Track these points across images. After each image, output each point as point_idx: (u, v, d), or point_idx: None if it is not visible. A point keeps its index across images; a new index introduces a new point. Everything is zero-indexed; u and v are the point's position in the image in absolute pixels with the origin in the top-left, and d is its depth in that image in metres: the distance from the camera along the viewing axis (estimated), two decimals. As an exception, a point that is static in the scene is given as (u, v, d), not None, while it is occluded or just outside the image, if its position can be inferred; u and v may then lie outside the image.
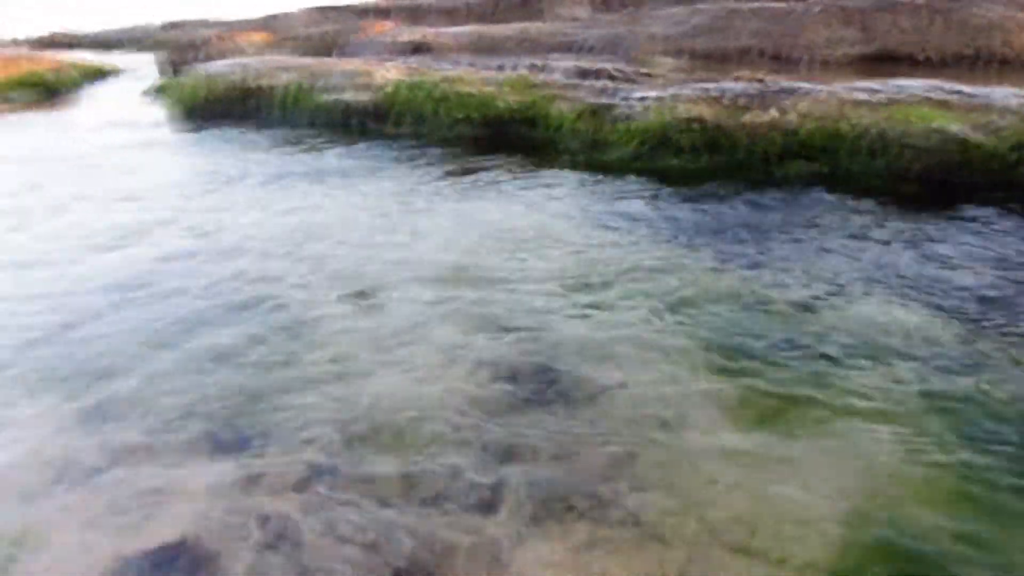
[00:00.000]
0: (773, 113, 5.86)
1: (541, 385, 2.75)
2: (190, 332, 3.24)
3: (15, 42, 23.22)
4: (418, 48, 10.64)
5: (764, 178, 5.46)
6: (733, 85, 6.50)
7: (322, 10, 18.89)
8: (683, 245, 4.16)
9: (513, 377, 2.80)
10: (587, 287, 3.61)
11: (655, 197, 5.12)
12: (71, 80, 12.99)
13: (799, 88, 6.17)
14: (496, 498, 2.18)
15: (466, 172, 5.96)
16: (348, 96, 8.03)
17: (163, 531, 2.10)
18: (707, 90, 6.34)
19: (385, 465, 2.34)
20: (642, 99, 6.56)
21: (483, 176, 5.79)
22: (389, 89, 7.73)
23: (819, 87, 6.14)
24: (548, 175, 5.79)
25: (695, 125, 6.04)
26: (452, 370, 2.87)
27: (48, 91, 12.11)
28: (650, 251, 4.06)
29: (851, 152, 5.46)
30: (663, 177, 5.60)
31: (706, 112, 6.07)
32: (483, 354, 2.98)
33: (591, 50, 10.36)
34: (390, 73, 8.34)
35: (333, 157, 6.65)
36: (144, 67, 15.04)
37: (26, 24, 23.65)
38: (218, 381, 2.83)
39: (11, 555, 2.00)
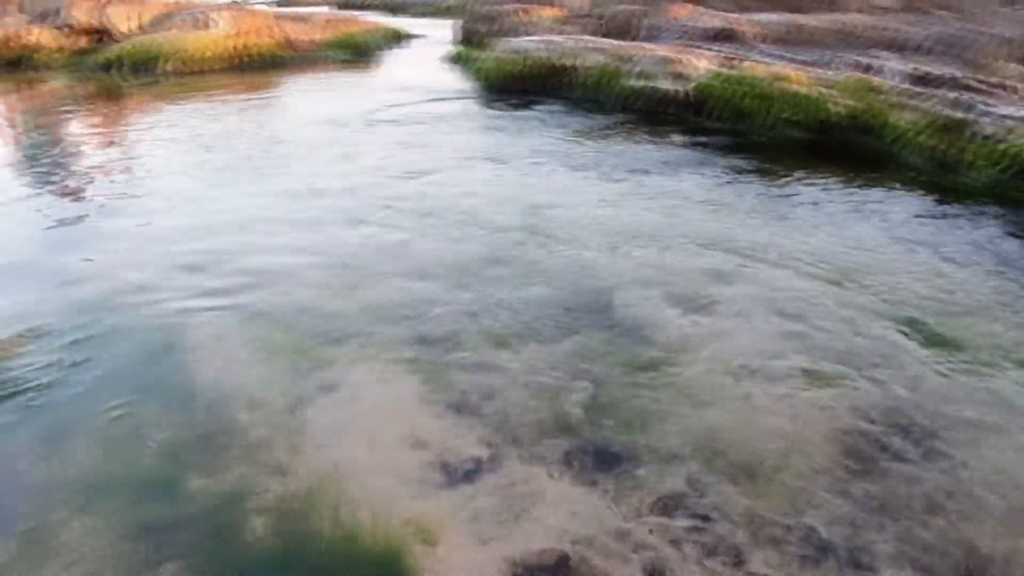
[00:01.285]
0: None
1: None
2: (536, 328, 3.30)
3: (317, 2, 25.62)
4: (723, 35, 10.27)
5: None
6: None
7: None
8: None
9: (866, 427, 2.55)
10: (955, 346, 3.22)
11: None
12: (376, 43, 14.04)
13: None
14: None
15: (786, 181, 5.62)
16: (662, 84, 7.91)
17: (543, 542, 2.09)
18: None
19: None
20: (1006, 117, 5.82)
21: (806, 190, 5.40)
22: (707, 81, 7.51)
23: None
24: (882, 194, 5.30)
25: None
26: (798, 404, 2.67)
27: (358, 51, 13.17)
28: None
29: None
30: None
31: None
32: (826, 399, 2.75)
33: (918, 49, 9.40)
34: (703, 63, 8.10)
35: (649, 146, 6.58)
36: (435, 33, 15.95)
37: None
38: (574, 385, 2.85)
39: (407, 546, 2.07)
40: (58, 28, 11.31)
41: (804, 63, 8.32)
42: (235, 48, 11.25)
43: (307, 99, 9.13)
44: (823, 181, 5.61)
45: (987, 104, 6.28)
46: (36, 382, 2.76)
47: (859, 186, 5.50)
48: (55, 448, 2.40)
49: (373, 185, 5.38)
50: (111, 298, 3.48)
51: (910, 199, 5.25)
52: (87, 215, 4.75)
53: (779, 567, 1.99)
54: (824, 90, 6.96)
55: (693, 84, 7.68)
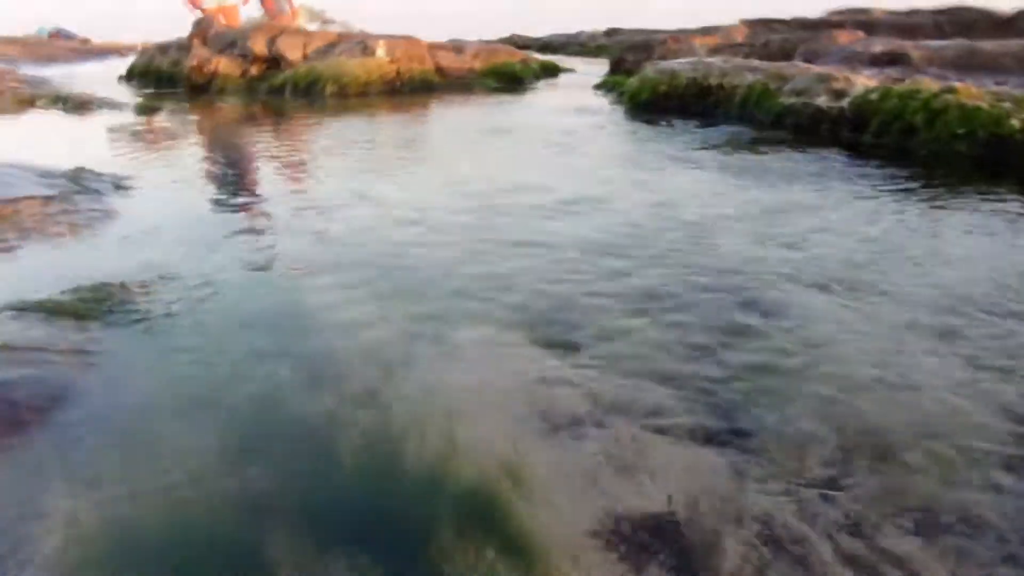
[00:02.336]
0: None
1: None
2: (661, 304, 3.04)
3: (480, 41, 26.66)
4: (888, 58, 9.60)
5: None
6: None
7: (766, 22, 18.36)
8: None
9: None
10: None
11: None
12: (527, 73, 14.28)
13: None
14: None
15: (951, 195, 5.04)
16: (820, 100, 7.45)
17: (651, 499, 1.85)
18: None
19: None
20: None
21: (981, 207, 4.80)
22: (873, 96, 6.98)
23: None
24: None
25: None
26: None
27: (509, 80, 13.44)
28: None
29: None
30: None
31: None
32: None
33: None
34: (862, 79, 7.57)
35: (801, 161, 6.17)
36: (587, 68, 16.07)
37: (485, 27, 26.83)
38: (699, 358, 2.57)
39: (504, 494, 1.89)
40: (237, 57, 12.32)
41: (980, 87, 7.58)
42: (392, 73, 11.80)
43: (455, 114, 9.38)
44: (999, 202, 4.99)
45: None
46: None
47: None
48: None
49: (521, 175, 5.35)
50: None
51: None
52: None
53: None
54: (1007, 104, 6.27)
55: (857, 99, 7.18)
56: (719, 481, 1.94)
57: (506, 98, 11.40)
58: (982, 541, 1.73)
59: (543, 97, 11.56)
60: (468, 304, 3.05)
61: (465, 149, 6.98)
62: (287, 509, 1.80)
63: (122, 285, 3.20)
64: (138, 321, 2.87)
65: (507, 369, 2.52)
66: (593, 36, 24.88)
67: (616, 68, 13.09)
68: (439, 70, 12.65)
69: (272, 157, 6.74)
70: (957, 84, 6.64)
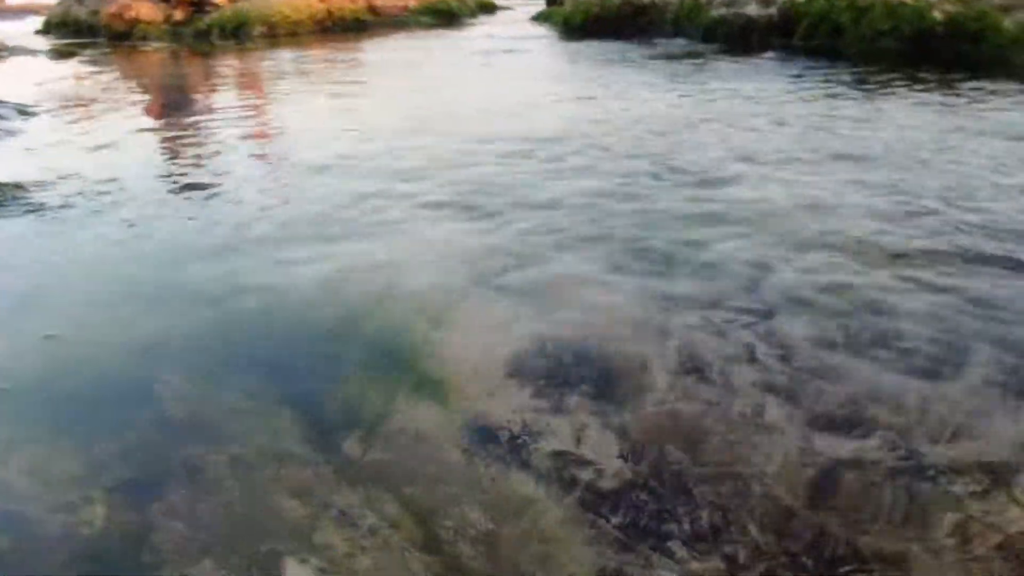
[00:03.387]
0: None
1: None
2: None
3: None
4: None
5: None
6: None
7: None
8: None
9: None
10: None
11: None
12: (463, 11, 13.97)
13: None
14: None
15: (888, 88, 5.06)
16: (749, 9, 7.41)
17: (576, 325, 1.80)
18: None
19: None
20: None
21: (909, 91, 4.84)
22: (801, 0, 6.96)
23: None
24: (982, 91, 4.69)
25: None
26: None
27: (450, 17, 13.15)
28: None
29: None
30: None
31: None
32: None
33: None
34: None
35: (736, 63, 6.15)
36: (529, 7, 15.78)
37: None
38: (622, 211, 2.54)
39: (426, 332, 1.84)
40: (159, 3, 11.81)
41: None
42: (322, 13, 11.44)
43: (389, 50, 9.14)
44: (921, 82, 5.03)
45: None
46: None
47: (959, 83, 4.91)
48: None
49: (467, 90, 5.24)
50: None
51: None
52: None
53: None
54: (928, -1, 6.30)
55: (779, 5, 7.15)
56: (638, 308, 1.91)
57: (443, 32, 11.16)
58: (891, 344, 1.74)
59: (480, 30, 11.33)
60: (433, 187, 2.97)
61: (405, 71, 6.80)
62: (186, 349, 1.72)
63: (16, 185, 3.04)
64: (32, 211, 2.73)
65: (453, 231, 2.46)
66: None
67: (552, 1, 12.86)
68: (372, 9, 12.30)
69: (188, 86, 6.49)
70: (883, -18, 6.64)
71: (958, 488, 1.21)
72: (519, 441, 1.38)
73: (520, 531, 1.15)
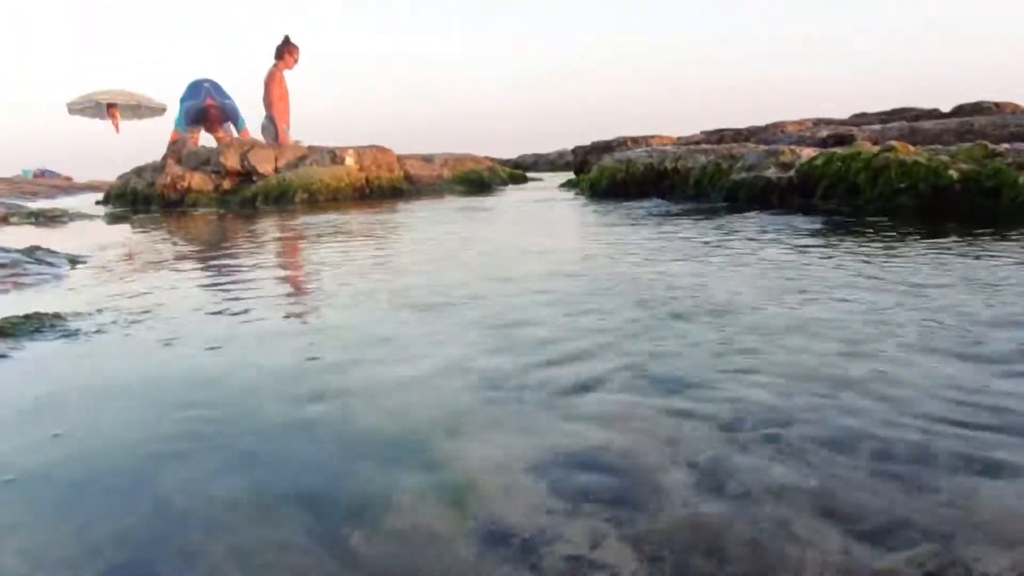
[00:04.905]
0: None
1: None
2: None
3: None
4: (835, 140, 10.06)
5: None
6: None
7: (722, 131, 19.28)
8: None
9: None
10: None
11: None
12: (495, 180, 14.77)
13: None
14: None
15: (906, 241, 5.15)
16: (769, 172, 7.73)
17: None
18: None
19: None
20: None
21: (926, 244, 4.94)
22: (818, 162, 7.25)
23: None
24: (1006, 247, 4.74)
25: None
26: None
27: (482, 185, 13.87)
28: None
29: None
30: None
31: None
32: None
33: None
34: (808, 151, 7.90)
35: (756, 222, 6.32)
36: (558, 178, 16.65)
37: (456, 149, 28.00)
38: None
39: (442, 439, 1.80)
40: (210, 173, 12.66)
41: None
42: (361, 180, 12.14)
43: (418, 211, 9.59)
44: (940, 236, 5.11)
45: None
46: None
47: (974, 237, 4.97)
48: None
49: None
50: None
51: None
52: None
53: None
54: (943, 157, 6.53)
55: (803, 167, 7.45)
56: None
57: (475, 199, 11.71)
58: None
59: (510, 197, 11.89)
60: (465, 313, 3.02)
61: (440, 225, 7.09)
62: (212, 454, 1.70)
63: (55, 315, 3.14)
64: (65, 335, 2.81)
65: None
66: (561, 154, 25.93)
67: (580, 169, 13.57)
68: (408, 177, 13.04)
69: (229, 240, 6.81)
70: (895, 143, 6.94)
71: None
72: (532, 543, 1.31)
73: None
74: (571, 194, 10.90)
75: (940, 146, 7.38)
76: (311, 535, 1.31)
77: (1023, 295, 2.95)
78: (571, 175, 15.43)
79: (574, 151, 25.98)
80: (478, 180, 13.96)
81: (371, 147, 12.87)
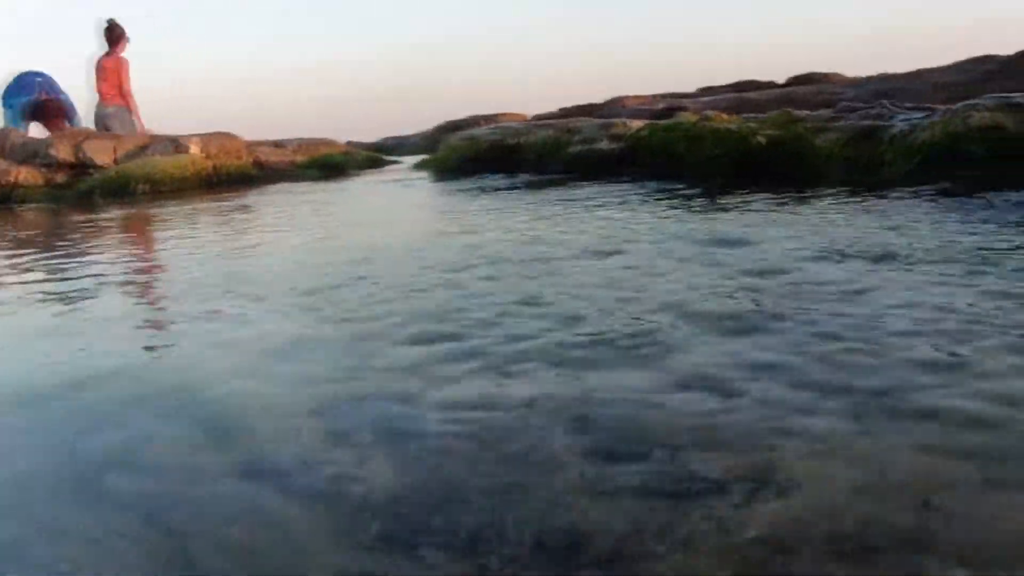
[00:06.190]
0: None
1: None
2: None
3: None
4: (669, 112, 10.72)
5: None
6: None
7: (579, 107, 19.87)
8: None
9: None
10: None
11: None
12: (351, 164, 14.62)
13: None
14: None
15: (718, 200, 5.66)
16: (602, 145, 8.17)
17: None
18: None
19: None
20: (925, 116, 5.94)
21: (736, 202, 5.46)
22: (643, 133, 7.75)
23: None
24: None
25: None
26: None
27: (337, 169, 13.73)
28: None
29: None
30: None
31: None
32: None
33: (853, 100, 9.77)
34: (638, 123, 8.41)
35: (586, 188, 6.72)
36: (417, 160, 16.71)
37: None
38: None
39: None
40: (40, 167, 11.92)
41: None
42: (207, 168, 11.78)
43: (269, 196, 9.46)
44: (746, 193, 5.65)
45: (903, 113, 6.43)
46: None
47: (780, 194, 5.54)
48: None
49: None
50: None
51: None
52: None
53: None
54: (752, 124, 7.15)
55: (630, 139, 7.93)
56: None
57: (328, 183, 11.61)
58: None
59: (364, 179, 11.89)
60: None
61: (281, 210, 7.06)
62: None
63: None
64: None
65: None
66: (424, 136, 25.90)
67: (435, 148, 13.68)
68: (259, 164, 12.75)
69: (62, 235, 6.53)
70: (711, 113, 7.53)
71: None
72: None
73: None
74: (425, 174, 11.03)
75: (756, 114, 8.05)
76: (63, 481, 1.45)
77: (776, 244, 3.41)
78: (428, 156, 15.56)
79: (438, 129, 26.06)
80: (333, 164, 13.79)
81: (217, 134, 12.49)
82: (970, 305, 2.18)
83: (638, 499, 1.22)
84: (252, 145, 13.07)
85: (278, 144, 13.76)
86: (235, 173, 12.13)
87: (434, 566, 1.06)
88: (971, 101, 5.86)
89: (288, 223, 5.87)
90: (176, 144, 11.92)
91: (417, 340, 2.19)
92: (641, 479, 1.28)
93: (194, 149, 11.85)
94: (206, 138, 12.19)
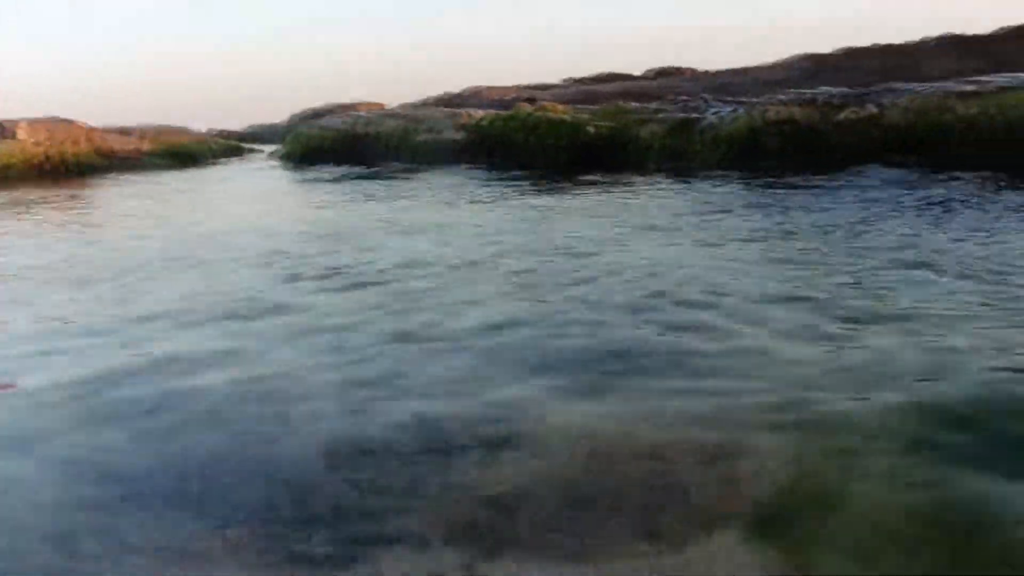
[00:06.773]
0: (872, 109, 5.51)
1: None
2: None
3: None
4: (520, 101, 10.94)
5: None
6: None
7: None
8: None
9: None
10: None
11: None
12: (207, 153, 14.06)
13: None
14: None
15: (546, 183, 5.89)
16: (447, 134, 8.26)
17: None
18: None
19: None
20: (732, 110, 6.37)
21: (568, 186, 5.68)
22: (484, 122, 7.90)
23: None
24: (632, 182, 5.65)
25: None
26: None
27: (186, 160, 13.18)
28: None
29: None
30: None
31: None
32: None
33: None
34: (481, 113, 8.56)
35: (429, 176, 6.80)
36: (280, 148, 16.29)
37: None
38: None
39: None
40: None
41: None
42: (39, 156, 11.05)
43: (105, 189, 9.01)
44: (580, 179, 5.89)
45: (716, 106, 6.86)
46: None
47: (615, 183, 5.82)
48: None
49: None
50: None
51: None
52: None
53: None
54: (585, 115, 7.43)
55: (473, 129, 8.06)
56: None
57: (177, 173, 11.14)
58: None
59: (217, 170, 11.49)
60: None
61: (114, 206, 6.74)
62: None
63: None
64: None
65: None
66: (291, 125, 25.20)
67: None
68: (101, 152, 12.06)
69: None
70: (546, 104, 7.77)
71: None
72: None
73: None
74: (278, 163, 10.81)
75: (590, 105, 8.37)
76: None
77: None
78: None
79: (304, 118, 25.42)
80: (185, 153, 13.25)
81: (52, 119, 11.73)
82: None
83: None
84: (94, 132, 12.35)
85: (124, 131, 13.08)
86: (72, 161, 11.43)
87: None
88: (772, 96, 6.34)
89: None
90: (1, 129, 11.11)
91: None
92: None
93: (22, 135, 11.08)
94: (36, 123, 11.41)
